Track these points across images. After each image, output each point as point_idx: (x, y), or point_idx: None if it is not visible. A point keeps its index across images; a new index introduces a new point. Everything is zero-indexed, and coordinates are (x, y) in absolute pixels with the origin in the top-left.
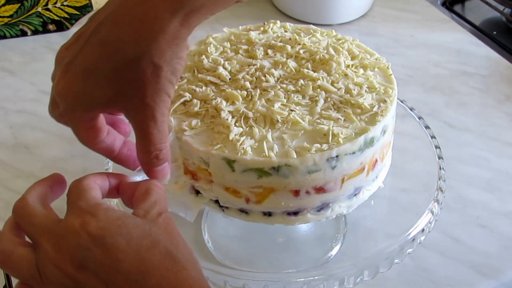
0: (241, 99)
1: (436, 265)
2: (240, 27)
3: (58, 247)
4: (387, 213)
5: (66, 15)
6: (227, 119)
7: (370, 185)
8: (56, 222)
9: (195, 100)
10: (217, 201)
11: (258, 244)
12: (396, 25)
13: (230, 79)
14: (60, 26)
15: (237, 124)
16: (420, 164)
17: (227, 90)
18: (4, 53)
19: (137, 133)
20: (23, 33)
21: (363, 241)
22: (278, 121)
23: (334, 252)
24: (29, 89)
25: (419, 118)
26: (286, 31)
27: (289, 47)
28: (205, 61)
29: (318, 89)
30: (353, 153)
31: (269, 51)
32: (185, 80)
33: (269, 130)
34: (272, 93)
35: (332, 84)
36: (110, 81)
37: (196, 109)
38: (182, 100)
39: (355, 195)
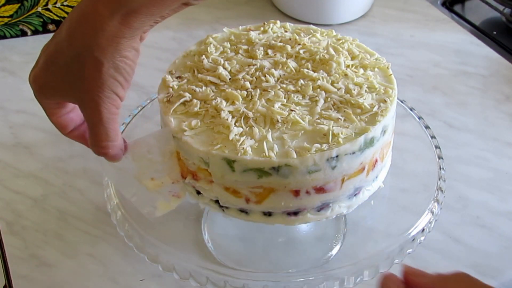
0: (241, 99)
1: (436, 265)
2: (240, 27)
3: None
4: (387, 213)
5: (66, 15)
6: (227, 119)
7: (370, 185)
8: None
9: (195, 100)
10: (217, 201)
11: (258, 244)
12: (396, 25)
13: (230, 79)
14: None
15: (237, 124)
16: (420, 164)
17: (227, 90)
18: (4, 53)
19: (87, 126)
20: (23, 33)
21: (363, 241)
22: (278, 121)
23: (334, 252)
24: (29, 89)
25: (419, 118)
26: (286, 31)
27: (289, 47)
28: (205, 61)
29: (318, 89)
30: (353, 153)
31: (269, 51)
32: (185, 80)
33: (269, 130)
34: (272, 93)
35: (332, 84)
36: (63, 73)
37: (196, 109)
38: (182, 100)
39: (355, 195)
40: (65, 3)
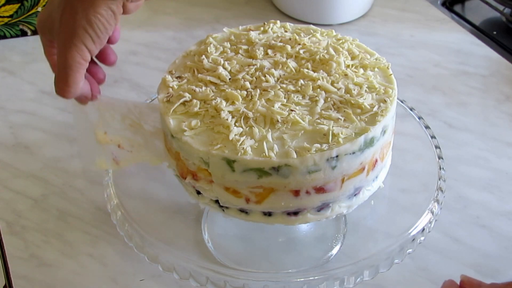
0: (241, 99)
1: (436, 265)
2: (240, 27)
3: None
4: (387, 213)
5: None
6: (227, 119)
7: (370, 185)
8: None
9: (195, 101)
10: (217, 201)
11: (258, 244)
12: (396, 25)
13: (230, 79)
14: None
15: (237, 124)
16: (420, 164)
17: (227, 90)
18: (4, 53)
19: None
20: (23, 33)
21: (363, 241)
22: (278, 121)
23: (334, 252)
24: (29, 89)
25: (419, 118)
26: (286, 31)
27: (289, 47)
28: (205, 61)
29: (318, 89)
30: (353, 153)
31: (269, 51)
32: (185, 80)
33: (269, 130)
34: (272, 93)
35: (332, 84)
36: (53, 14)
37: (196, 109)
38: (182, 100)
39: (355, 195)
40: None
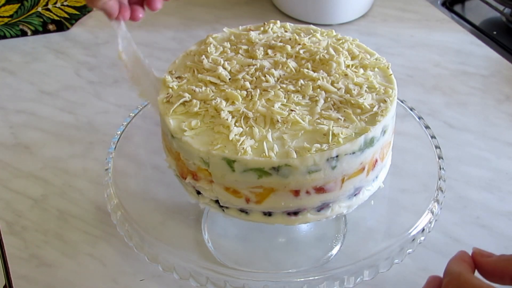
0: (241, 99)
1: (436, 265)
2: (240, 27)
3: None
4: (387, 213)
5: (66, 15)
6: (227, 119)
7: (370, 185)
8: None
9: (194, 101)
10: (217, 201)
11: (258, 244)
12: (396, 25)
13: (230, 79)
14: (60, 26)
15: (237, 124)
16: (420, 164)
17: (227, 90)
18: (4, 53)
19: None
20: (23, 33)
21: (363, 241)
22: (278, 121)
23: (334, 252)
24: (29, 89)
25: (419, 118)
26: (286, 31)
27: (289, 47)
28: (205, 61)
29: (318, 89)
30: (353, 153)
31: (269, 51)
32: (185, 80)
33: (269, 130)
34: (272, 93)
35: (332, 84)
36: None
37: (196, 109)
38: (182, 100)
39: (355, 195)
40: (65, 3)
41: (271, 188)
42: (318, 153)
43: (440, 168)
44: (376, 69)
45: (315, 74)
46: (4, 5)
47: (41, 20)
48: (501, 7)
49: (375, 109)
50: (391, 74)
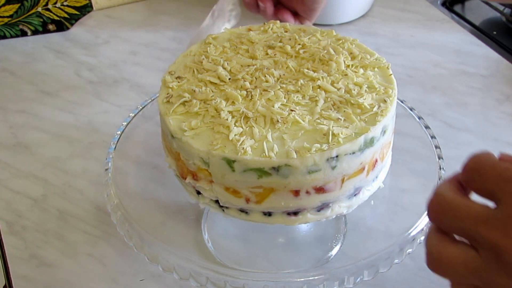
0: (241, 99)
1: None
2: (240, 27)
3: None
4: (387, 213)
5: (66, 15)
6: (227, 119)
7: (370, 185)
8: (491, 210)
9: (194, 101)
10: (217, 201)
11: (258, 244)
12: (396, 25)
13: (230, 79)
14: (60, 26)
15: (237, 124)
16: (420, 164)
17: (227, 90)
18: (4, 53)
19: None
20: (23, 33)
21: (363, 241)
22: (278, 121)
23: (334, 252)
24: (29, 89)
25: (419, 118)
26: (286, 31)
27: (289, 47)
28: (205, 61)
29: (318, 89)
30: (353, 153)
31: (269, 51)
32: (185, 80)
33: (269, 130)
34: (272, 93)
35: (332, 84)
36: None
37: (196, 109)
38: (182, 100)
39: (355, 195)
40: (65, 3)
41: (271, 188)
42: (318, 153)
43: (440, 168)
44: (376, 69)
45: (315, 74)
46: (4, 5)
47: (41, 20)
48: (501, 7)
49: (375, 109)
50: (391, 74)
